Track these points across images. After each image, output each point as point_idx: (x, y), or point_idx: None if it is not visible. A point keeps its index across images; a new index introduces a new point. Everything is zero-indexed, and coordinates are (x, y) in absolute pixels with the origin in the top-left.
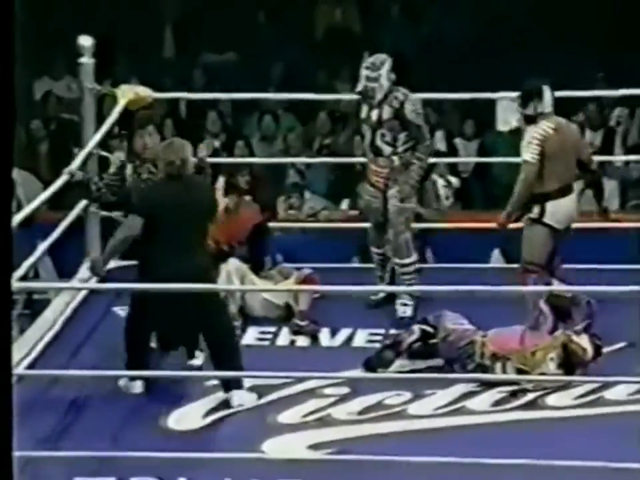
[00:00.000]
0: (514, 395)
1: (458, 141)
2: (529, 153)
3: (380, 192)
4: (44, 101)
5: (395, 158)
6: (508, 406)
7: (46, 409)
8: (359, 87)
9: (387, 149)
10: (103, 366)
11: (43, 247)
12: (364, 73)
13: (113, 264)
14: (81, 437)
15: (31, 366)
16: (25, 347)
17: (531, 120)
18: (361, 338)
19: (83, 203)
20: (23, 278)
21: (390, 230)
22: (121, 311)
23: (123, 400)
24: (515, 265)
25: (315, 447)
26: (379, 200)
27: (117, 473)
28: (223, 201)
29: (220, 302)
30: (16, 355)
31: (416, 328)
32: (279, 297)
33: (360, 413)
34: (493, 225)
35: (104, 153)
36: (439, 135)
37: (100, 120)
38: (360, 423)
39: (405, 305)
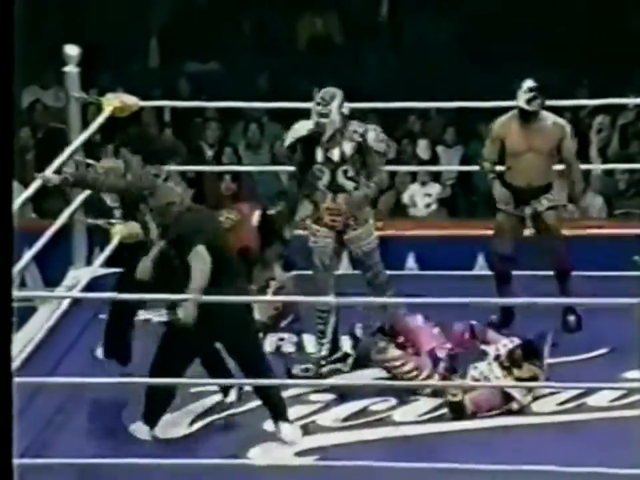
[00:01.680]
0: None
1: (440, 149)
2: (574, 140)
3: (334, 232)
4: (31, 109)
5: (355, 193)
6: (492, 412)
7: (30, 417)
8: (310, 125)
9: (349, 184)
10: (87, 373)
11: (29, 254)
12: (315, 108)
13: (100, 272)
14: (64, 446)
15: (16, 372)
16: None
17: (530, 115)
18: (347, 345)
19: (69, 210)
20: None
21: (368, 273)
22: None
23: (106, 408)
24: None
25: (301, 453)
26: (331, 241)
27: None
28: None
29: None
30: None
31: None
32: (268, 307)
33: (345, 419)
34: (477, 232)
35: (88, 160)
36: (422, 143)
37: (86, 128)
38: (346, 430)
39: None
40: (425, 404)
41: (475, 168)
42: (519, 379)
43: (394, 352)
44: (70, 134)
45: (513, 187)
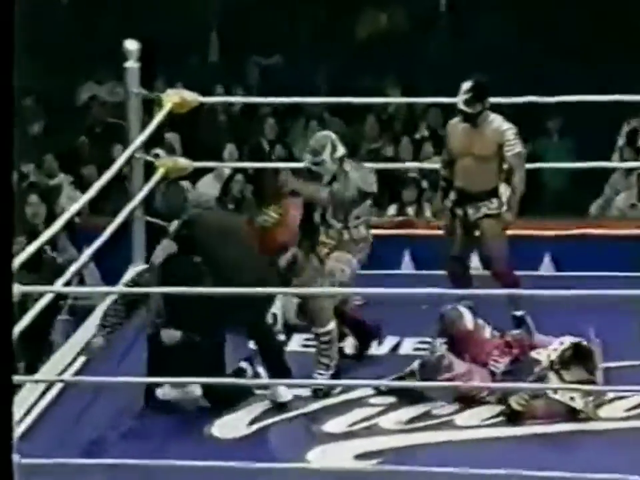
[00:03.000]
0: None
1: None
2: (519, 146)
3: (324, 266)
4: (88, 105)
5: (345, 232)
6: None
7: (92, 416)
8: (305, 164)
9: (338, 225)
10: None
11: (88, 252)
12: (307, 157)
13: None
14: (126, 445)
15: (77, 373)
16: (70, 354)
17: (471, 118)
18: (407, 346)
19: (129, 207)
20: (67, 284)
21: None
22: None
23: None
24: (567, 273)
25: (361, 456)
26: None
27: None
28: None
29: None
30: (61, 362)
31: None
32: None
33: (407, 422)
34: (545, 232)
35: (148, 158)
36: None
37: (146, 125)
38: (407, 433)
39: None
40: (488, 409)
41: (543, 165)
42: (569, 383)
43: (460, 367)
44: (130, 131)
45: (456, 189)
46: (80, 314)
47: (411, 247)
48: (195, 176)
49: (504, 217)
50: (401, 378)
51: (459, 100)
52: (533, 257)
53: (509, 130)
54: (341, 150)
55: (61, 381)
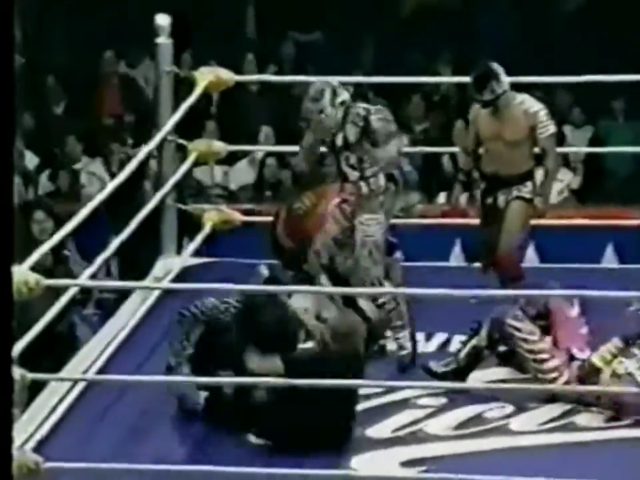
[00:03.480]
0: None
1: (567, 129)
2: (552, 127)
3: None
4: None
5: (363, 184)
6: (623, 422)
7: (119, 416)
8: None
9: (353, 174)
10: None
11: (115, 243)
12: (307, 105)
13: (191, 261)
14: (154, 448)
15: (101, 371)
16: (96, 350)
17: (488, 104)
18: (457, 343)
19: (159, 195)
20: (94, 276)
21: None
22: None
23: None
24: (632, 266)
25: (408, 463)
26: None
27: None
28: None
29: None
30: (85, 359)
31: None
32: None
33: (457, 427)
34: (608, 221)
35: (180, 141)
36: None
37: (177, 105)
38: (457, 439)
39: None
40: (547, 411)
41: (608, 149)
42: None
43: (544, 344)
44: (161, 111)
45: (485, 175)
46: (107, 307)
47: (462, 236)
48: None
49: (536, 204)
50: (467, 340)
51: (472, 90)
52: (595, 249)
53: (540, 111)
54: (344, 95)
55: (84, 379)
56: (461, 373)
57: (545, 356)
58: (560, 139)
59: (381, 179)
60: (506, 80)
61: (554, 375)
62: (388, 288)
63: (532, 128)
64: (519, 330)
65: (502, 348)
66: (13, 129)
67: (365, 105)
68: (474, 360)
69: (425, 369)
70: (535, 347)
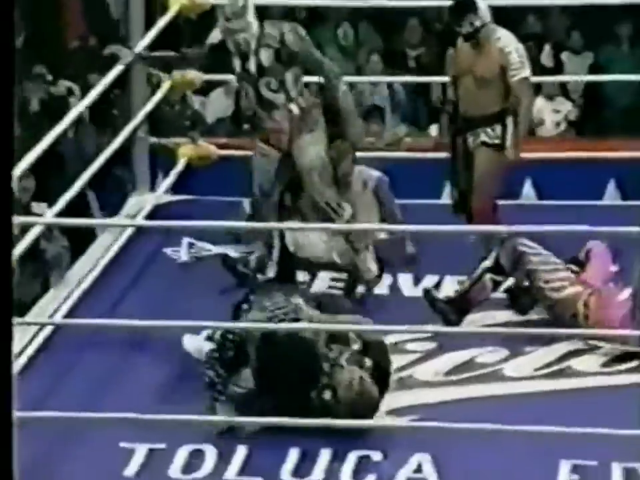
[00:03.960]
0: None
1: (565, 56)
2: (525, 71)
3: (279, 152)
4: None
5: (293, 106)
6: (621, 367)
7: (89, 364)
8: (217, 38)
9: (278, 97)
10: (149, 315)
11: (84, 178)
12: (224, 25)
13: (165, 198)
14: (123, 396)
15: (70, 313)
16: (64, 292)
17: (469, 37)
18: (449, 286)
19: (129, 127)
20: (61, 214)
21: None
22: (172, 252)
23: (171, 355)
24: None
25: (396, 412)
26: (275, 162)
27: (163, 437)
28: None
29: None
30: (53, 301)
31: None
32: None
33: (448, 373)
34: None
35: (154, 71)
36: (546, 48)
37: (150, 24)
38: (448, 385)
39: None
40: (543, 355)
41: (608, 77)
42: None
43: (563, 273)
44: (132, 28)
45: (457, 113)
46: (76, 245)
47: None
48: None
49: (505, 152)
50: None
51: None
52: (596, 183)
53: (514, 52)
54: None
55: (52, 324)
56: (462, 303)
57: (562, 284)
58: (557, 66)
59: (307, 96)
60: (486, 13)
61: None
62: (376, 225)
63: (503, 68)
64: (533, 255)
65: (510, 281)
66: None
67: (278, 24)
68: (478, 285)
69: (428, 296)
70: (550, 276)
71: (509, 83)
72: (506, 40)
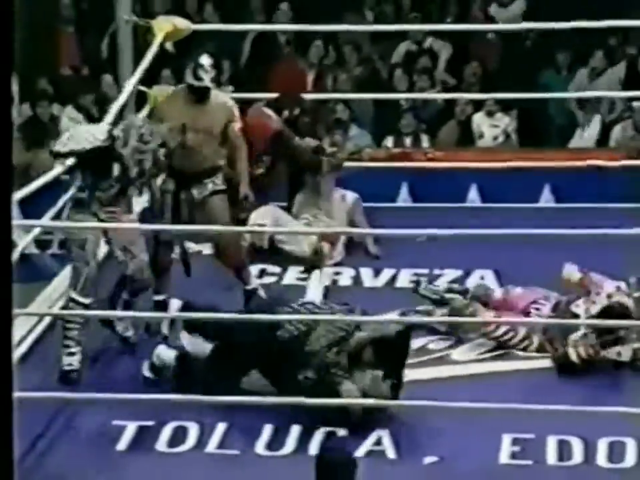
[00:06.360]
0: None
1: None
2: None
3: None
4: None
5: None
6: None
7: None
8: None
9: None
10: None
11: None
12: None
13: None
14: (118, 378)
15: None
16: (57, 291)
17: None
18: (404, 278)
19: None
20: (57, 217)
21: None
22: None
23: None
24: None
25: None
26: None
27: (151, 415)
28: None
29: None
30: (54, 293)
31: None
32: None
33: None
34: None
35: (142, 88)
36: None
37: (137, 54)
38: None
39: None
40: (486, 343)
41: (546, 95)
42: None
43: (485, 315)
44: (121, 59)
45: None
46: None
47: (409, 179)
48: None
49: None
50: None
51: (192, 75)
52: (533, 188)
53: (235, 106)
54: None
55: (50, 315)
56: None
57: (489, 328)
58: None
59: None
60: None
61: (508, 336)
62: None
63: (228, 122)
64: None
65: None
66: (10, 121)
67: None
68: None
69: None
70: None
71: (230, 135)
72: (220, 94)
